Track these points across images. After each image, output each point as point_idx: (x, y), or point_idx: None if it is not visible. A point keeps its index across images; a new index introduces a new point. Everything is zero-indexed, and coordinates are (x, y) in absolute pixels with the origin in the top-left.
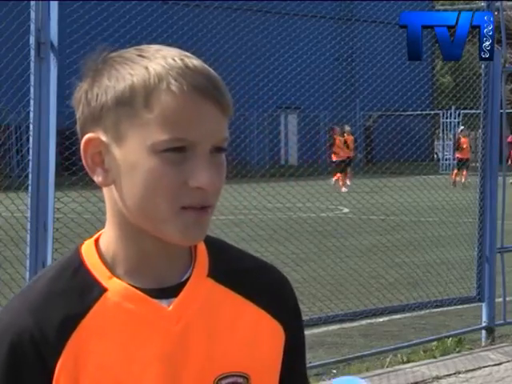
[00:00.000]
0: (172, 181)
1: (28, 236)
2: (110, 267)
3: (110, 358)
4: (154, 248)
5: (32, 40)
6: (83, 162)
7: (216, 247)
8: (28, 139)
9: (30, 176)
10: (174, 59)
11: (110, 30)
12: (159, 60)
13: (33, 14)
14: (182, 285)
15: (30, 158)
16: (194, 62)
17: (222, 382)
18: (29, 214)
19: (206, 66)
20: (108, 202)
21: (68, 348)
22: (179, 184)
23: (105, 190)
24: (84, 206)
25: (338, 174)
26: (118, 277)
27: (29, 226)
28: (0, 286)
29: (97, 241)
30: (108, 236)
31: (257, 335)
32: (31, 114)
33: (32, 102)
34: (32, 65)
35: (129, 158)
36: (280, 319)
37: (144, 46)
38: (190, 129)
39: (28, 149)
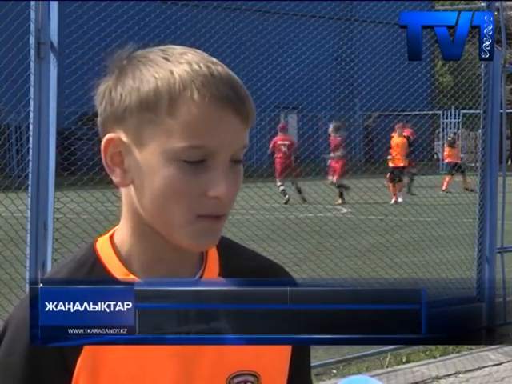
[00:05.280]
0: (190, 190)
1: (28, 236)
2: (125, 264)
3: (126, 354)
4: (166, 248)
5: (32, 40)
6: (103, 160)
7: (226, 247)
8: (28, 139)
9: (30, 176)
10: (199, 65)
11: (107, 30)
12: (184, 65)
13: (33, 14)
14: None
15: (30, 158)
16: (219, 69)
17: (233, 380)
18: (29, 214)
19: (230, 72)
20: (125, 201)
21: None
22: (197, 193)
23: (122, 188)
24: (82, 206)
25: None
26: (132, 273)
27: (29, 226)
28: (0, 286)
29: (111, 237)
30: (122, 233)
31: None
32: (31, 114)
33: (32, 101)
34: (32, 65)
35: (148, 162)
36: None
37: (168, 48)
38: (210, 137)
39: (28, 149)
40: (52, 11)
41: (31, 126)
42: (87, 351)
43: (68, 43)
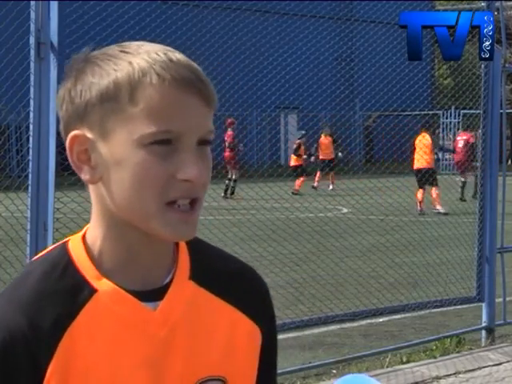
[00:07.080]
0: (159, 173)
1: (28, 236)
2: (97, 265)
3: (98, 361)
4: (140, 245)
5: (32, 40)
6: (69, 160)
7: (197, 248)
8: (28, 139)
9: (30, 176)
10: (157, 53)
11: (108, 30)
12: (143, 55)
13: (33, 14)
14: (165, 287)
15: (30, 158)
16: (177, 55)
17: None
18: (29, 214)
19: (189, 59)
20: (94, 199)
21: (60, 349)
22: (167, 177)
23: (91, 187)
24: (82, 206)
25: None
26: (104, 275)
27: (29, 226)
28: (0, 286)
29: (84, 237)
30: (94, 233)
31: (235, 338)
32: (31, 114)
33: (32, 102)
34: (32, 65)
35: (116, 153)
36: (258, 322)
37: (126, 43)
38: (176, 121)
39: (28, 149)
40: (52, 11)
41: (31, 126)
42: (59, 356)
43: (68, 43)
